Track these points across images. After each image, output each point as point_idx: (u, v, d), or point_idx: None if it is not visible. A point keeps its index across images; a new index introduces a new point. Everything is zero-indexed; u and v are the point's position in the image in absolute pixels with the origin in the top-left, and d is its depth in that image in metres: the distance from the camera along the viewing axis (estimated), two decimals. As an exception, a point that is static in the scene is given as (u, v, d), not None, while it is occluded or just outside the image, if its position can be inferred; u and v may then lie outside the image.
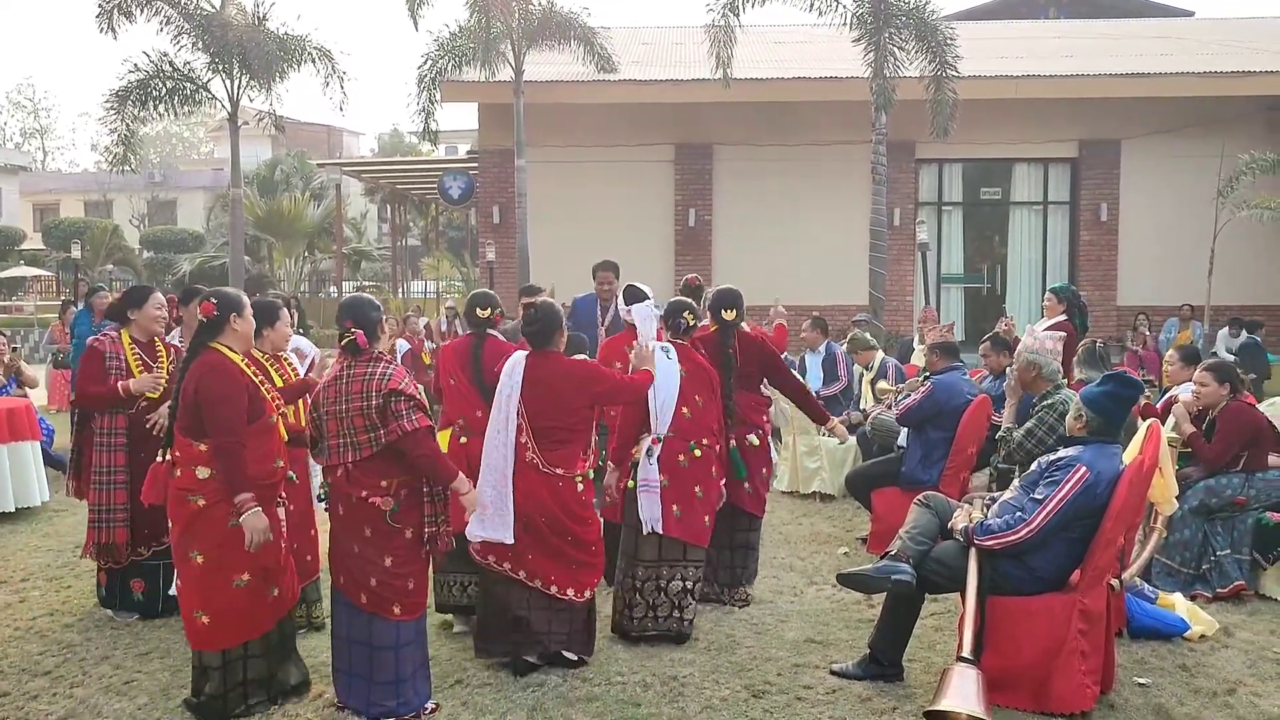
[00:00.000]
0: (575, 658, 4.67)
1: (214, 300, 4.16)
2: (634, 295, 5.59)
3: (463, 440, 5.07)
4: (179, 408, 4.12)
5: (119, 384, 5.30)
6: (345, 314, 4.16)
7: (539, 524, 4.52)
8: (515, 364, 4.62)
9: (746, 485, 5.67)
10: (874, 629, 4.68)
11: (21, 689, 4.49)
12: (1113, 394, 4.45)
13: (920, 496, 4.78)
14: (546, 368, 4.61)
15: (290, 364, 5.22)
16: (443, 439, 4.94)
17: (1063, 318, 7.74)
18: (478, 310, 5.23)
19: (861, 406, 8.91)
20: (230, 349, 4.16)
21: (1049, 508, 4.19)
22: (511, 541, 4.48)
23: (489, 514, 4.48)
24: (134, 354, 5.44)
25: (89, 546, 5.38)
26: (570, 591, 4.60)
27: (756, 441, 5.77)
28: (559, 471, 4.56)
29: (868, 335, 9.40)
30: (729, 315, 5.61)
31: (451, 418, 5.16)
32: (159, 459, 4.21)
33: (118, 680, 4.57)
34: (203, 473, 4.02)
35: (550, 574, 4.57)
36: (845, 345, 9.52)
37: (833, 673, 4.62)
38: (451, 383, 5.23)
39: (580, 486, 4.64)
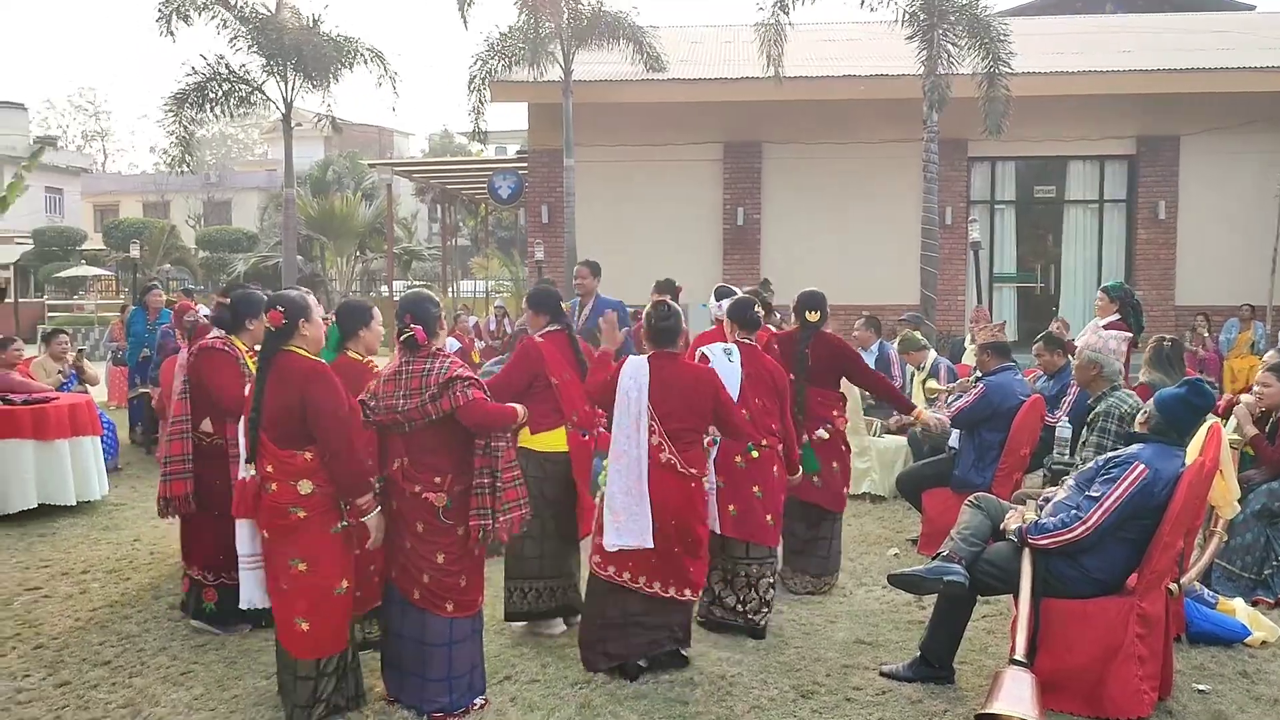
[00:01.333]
0: (687, 656, 4.71)
1: (280, 308, 4.00)
2: (724, 293, 5.98)
3: (585, 436, 5.07)
4: (266, 419, 3.97)
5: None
6: (405, 309, 4.17)
7: (669, 528, 4.51)
8: (638, 366, 4.60)
9: (815, 479, 5.77)
10: (925, 630, 4.64)
11: (82, 678, 4.59)
12: (1185, 400, 4.34)
13: (971, 497, 4.72)
14: (673, 370, 4.64)
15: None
16: (556, 437, 4.95)
17: (1115, 317, 7.57)
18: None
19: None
20: (307, 353, 4.08)
21: (1106, 505, 4.12)
22: (652, 546, 4.45)
23: (623, 521, 4.43)
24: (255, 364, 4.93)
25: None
26: (687, 591, 4.63)
27: (826, 435, 5.87)
28: (693, 471, 4.59)
29: (919, 335, 9.31)
30: (812, 317, 5.85)
31: (567, 414, 5.03)
32: (243, 474, 4.04)
33: (175, 671, 4.65)
34: (305, 487, 3.93)
35: (670, 578, 4.56)
36: (896, 345, 9.43)
37: (882, 674, 4.59)
38: (564, 378, 5.06)
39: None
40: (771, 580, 5.22)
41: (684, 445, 4.57)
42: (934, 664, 4.52)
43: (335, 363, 4.46)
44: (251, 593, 4.20)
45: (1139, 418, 4.48)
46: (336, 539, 4.00)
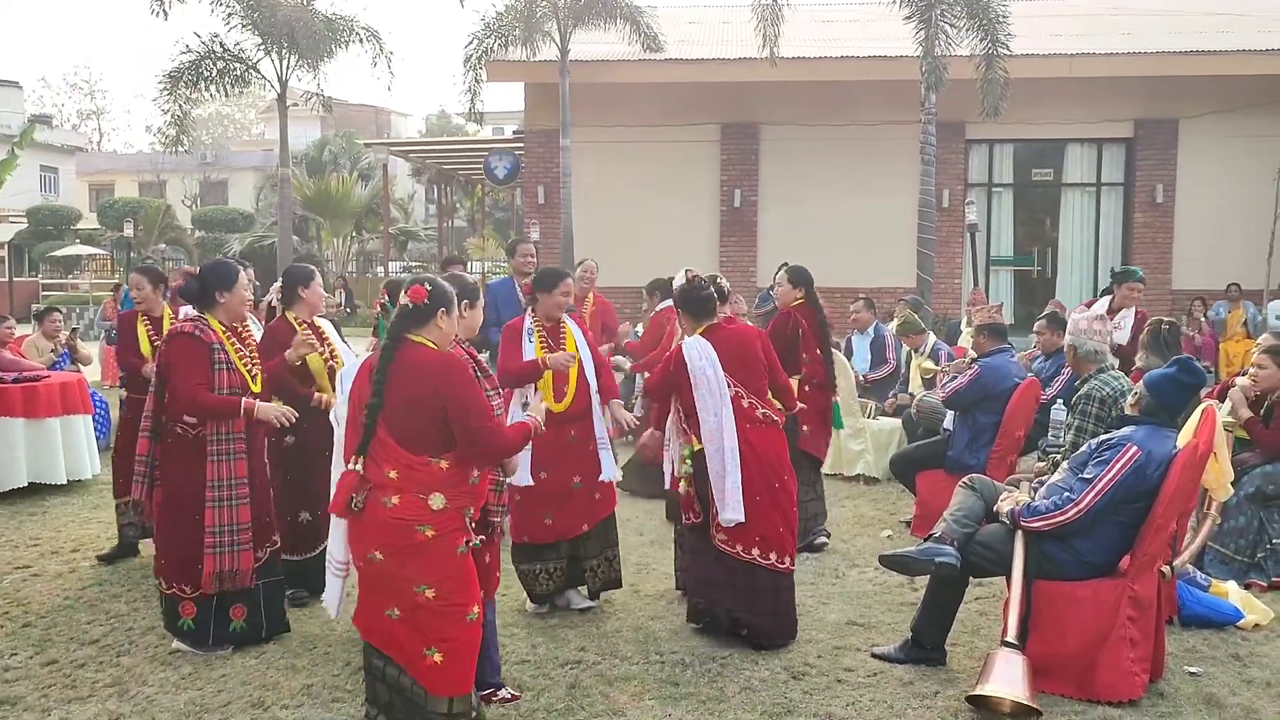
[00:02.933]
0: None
1: (427, 287, 3.52)
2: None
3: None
4: (386, 414, 3.43)
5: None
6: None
7: (773, 486, 4.72)
8: (701, 346, 4.76)
9: (805, 427, 6.12)
10: (917, 612, 4.63)
11: (69, 657, 4.57)
12: (1174, 378, 4.33)
13: (965, 479, 4.70)
14: (726, 335, 4.87)
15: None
16: None
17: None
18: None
19: (910, 390, 8.81)
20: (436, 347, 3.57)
21: (1098, 488, 4.10)
22: (744, 520, 4.60)
23: (728, 499, 4.59)
24: (233, 345, 4.60)
25: (208, 579, 4.45)
26: (787, 559, 4.76)
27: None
28: (778, 419, 4.89)
29: (918, 318, 9.28)
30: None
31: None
32: (351, 466, 3.47)
33: (163, 650, 4.63)
34: (437, 502, 3.41)
35: (773, 544, 4.70)
36: (894, 327, 9.40)
37: (874, 655, 4.58)
38: None
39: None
40: None
41: (763, 398, 4.85)
42: (926, 646, 4.51)
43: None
44: (334, 601, 3.85)
45: (1129, 399, 4.46)
46: (467, 560, 3.53)
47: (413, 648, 3.48)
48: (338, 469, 3.64)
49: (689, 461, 4.79)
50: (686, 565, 5.13)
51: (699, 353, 4.73)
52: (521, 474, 4.79)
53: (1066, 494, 4.19)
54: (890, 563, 4.51)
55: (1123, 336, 7.24)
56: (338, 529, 3.71)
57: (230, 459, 4.50)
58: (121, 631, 4.88)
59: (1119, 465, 4.11)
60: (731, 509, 4.59)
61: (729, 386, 4.71)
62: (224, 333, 4.57)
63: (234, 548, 4.48)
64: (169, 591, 4.56)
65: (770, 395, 4.94)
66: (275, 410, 4.56)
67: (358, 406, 3.53)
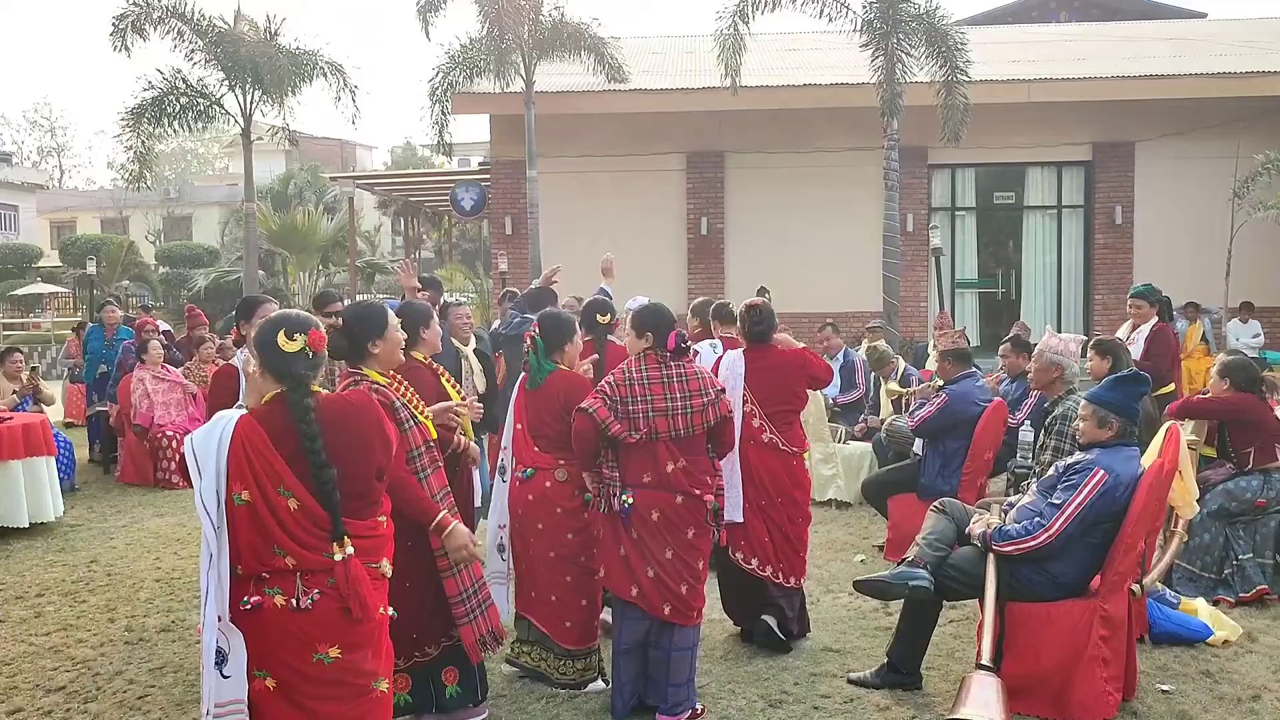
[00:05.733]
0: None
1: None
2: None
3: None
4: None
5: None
6: (653, 320, 4.33)
7: (774, 505, 5.08)
8: (735, 360, 5.21)
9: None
10: (892, 637, 4.64)
11: (35, 705, 4.48)
12: (1118, 382, 4.41)
13: (937, 502, 4.73)
14: (769, 358, 5.21)
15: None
16: None
17: (1156, 320, 7.44)
18: (598, 316, 5.35)
19: (880, 413, 8.86)
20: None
21: (1068, 513, 4.14)
22: (741, 520, 4.98)
23: (728, 498, 4.84)
24: (403, 397, 4.04)
25: (474, 649, 3.92)
26: (792, 579, 5.13)
27: None
28: (795, 450, 5.16)
29: (888, 349, 9.35)
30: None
31: None
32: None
33: (132, 695, 4.56)
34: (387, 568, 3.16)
35: (781, 563, 5.08)
36: (863, 353, 9.45)
37: (850, 681, 4.58)
38: None
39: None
40: None
41: (783, 425, 5.14)
42: (901, 670, 4.52)
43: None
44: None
45: (1095, 429, 4.35)
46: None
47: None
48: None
49: None
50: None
51: (729, 364, 5.22)
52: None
53: (1037, 519, 4.22)
54: (865, 588, 4.53)
55: (1136, 351, 7.19)
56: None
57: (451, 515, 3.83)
58: (89, 677, 4.80)
59: (1087, 489, 4.15)
60: (730, 510, 4.91)
61: (745, 403, 5.07)
62: (388, 385, 3.83)
63: (482, 606, 3.93)
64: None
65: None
66: (465, 543, 3.69)
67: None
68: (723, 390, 4.40)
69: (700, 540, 4.25)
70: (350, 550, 2.86)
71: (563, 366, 4.56)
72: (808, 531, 5.27)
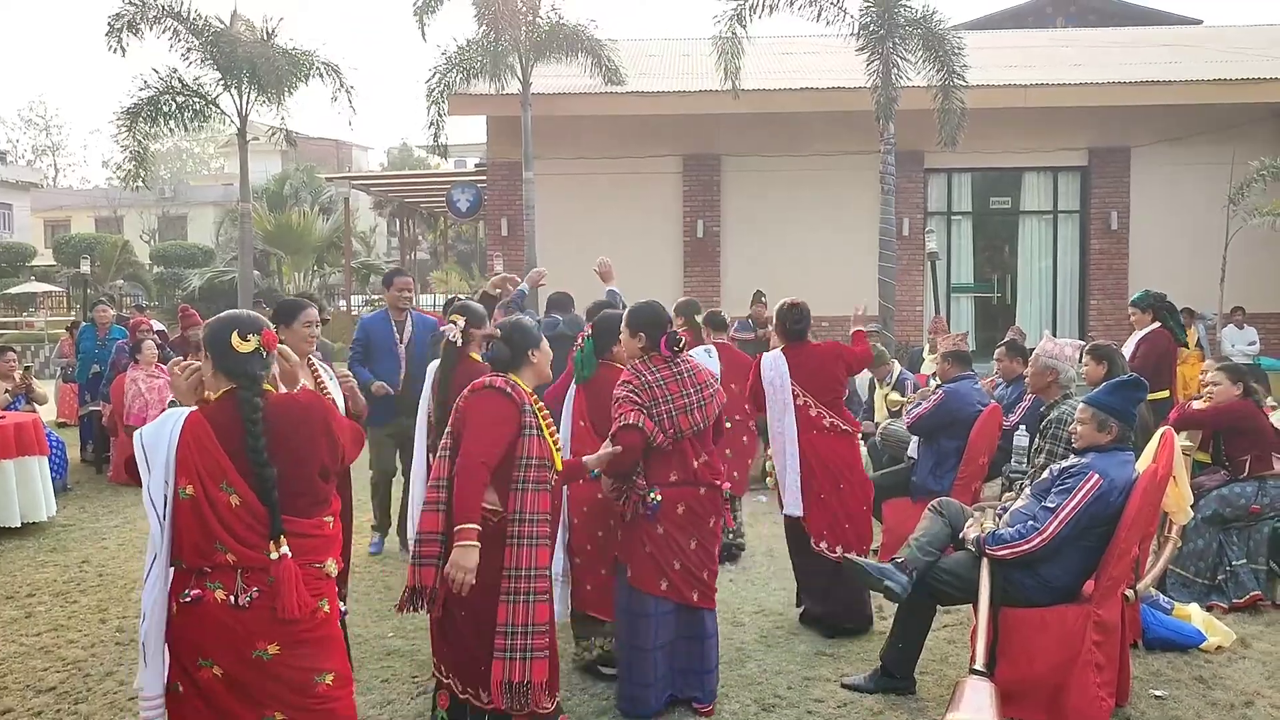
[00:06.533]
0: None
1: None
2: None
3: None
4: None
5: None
6: (646, 320, 4.36)
7: (843, 486, 5.39)
8: (775, 359, 5.51)
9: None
10: (886, 641, 4.63)
11: (25, 705, 4.46)
12: (1116, 387, 4.39)
13: (934, 502, 4.73)
14: (807, 352, 5.56)
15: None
16: None
17: (1155, 325, 7.45)
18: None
19: (875, 418, 8.86)
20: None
21: (1061, 516, 4.14)
22: (802, 514, 5.31)
23: (789, 495, 5.31)
24: (540, 412, 3.85)
25: (497, 689, 3.47)
26: (853, 553, 5.20)
27: None
28: (849, 429, 5.51)
29: (884, 349, 9.35)
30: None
31: None
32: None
33: (122, 697, 4.53)
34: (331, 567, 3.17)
35: (837, 537, 5.35)
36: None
37: (844, 686, 4.57)
38: None
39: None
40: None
41: (837, 410, 5.50)
42: (895, 674, 4.51)
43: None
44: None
45: (1095, 432, 4.32)
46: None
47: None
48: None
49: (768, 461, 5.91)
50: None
51: (770, 365, 5.50)
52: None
53: (1031, 523, 4.21)
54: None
55: (1130, 355, 7.21)
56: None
57: (533, 544, 3.54)
58: (79, 678, 4.77)
59: (1082, 494, 4.14)
60: (790, 505, 5.30)
61: (797, 396, 5.39)
62: (531, 397, 3.74)
63: (526, 654, 3.48)
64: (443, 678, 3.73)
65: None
66: (468, 568, 3.45)
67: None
68: (717, 380, 4.53)
69: (718, 527, 4.39)
70: (285, 550, 2.85)
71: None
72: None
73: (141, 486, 2.88)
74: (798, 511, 5.31)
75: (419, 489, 4.75)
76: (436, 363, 4.92)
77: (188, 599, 2.84)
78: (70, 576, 6.55)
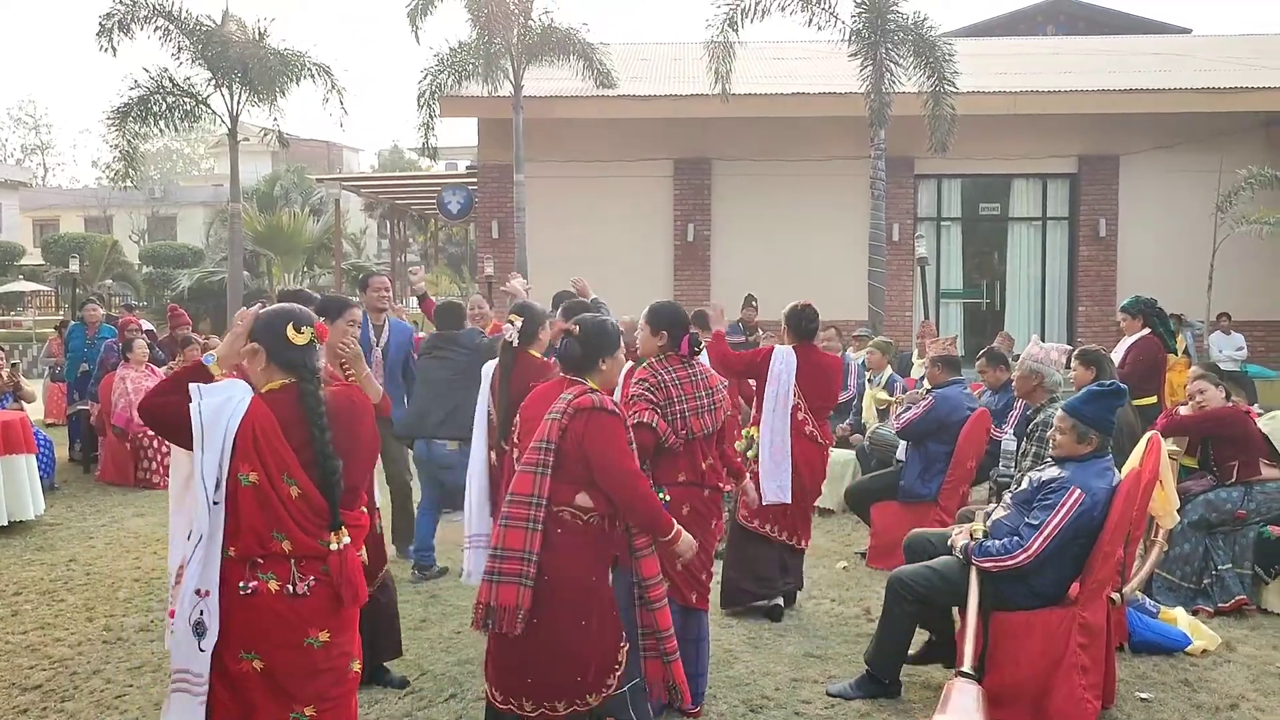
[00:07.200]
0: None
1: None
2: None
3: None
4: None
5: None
6: (669, 319, 4.33)
7: (804, 489, 5.59)
8: (787, 355, 5.61)
9: None
10: (871, 644, 4.63)
11: (11, 703, 4.44)
12: (1092, 396, 4.35)
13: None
14: (815, 356, 5.71)
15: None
16: None
17: (1145, 332, 7.48)
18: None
19: (863, 420, 8.87)
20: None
21: (1046, 533, 4.11)
22: (790, 501, 5.47)
23: (773, 482, 5.44)
24: None
25: (661, 685, 3.80)
26: (804, 543, 5.77)
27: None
28: (825, 442, 5.74)
29: (890, 341, 9.46)
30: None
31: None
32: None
33: (109, 694, 4.52)
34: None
35: (799, 530, 5.68)
36: (872, 345, 9.39)
37: (829, 694, 4.56)
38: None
39: None
40: None
41: (822, 420, 5.70)
42: (882, 679, 4.51)
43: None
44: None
45: (1074, 443, 4.29)
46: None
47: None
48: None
49: (747, 440, 5.83)
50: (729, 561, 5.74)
51: (782, 358, 5.59)
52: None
53: (1015, 539, 4.18)
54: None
55: (1119, 360, 7.24)
56: None
57: (646, 554, 3.70)
58: (65, 676, 4.76)
59: (1065, 510, 4.12)
60: (774, 493, 5.43)
61: (792, 396, 5.51)
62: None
63: (666, 656, 3.75)
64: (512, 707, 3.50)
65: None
66: (692, 544, 3.77)
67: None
68: (726, 384, 4.56)
69: (718, 529, 4.47)
70: (347, 540, 2.94)
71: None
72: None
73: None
74: (785, 499, 5.46)
75: (478, 487, 4.69)
76: (492, 363, 4.87)
77: (247, 591, 2.86)
78: (57, 575, 6.53)
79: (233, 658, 2.86)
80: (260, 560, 2.88)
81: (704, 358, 5.95)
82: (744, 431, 6.06)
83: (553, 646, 3.42)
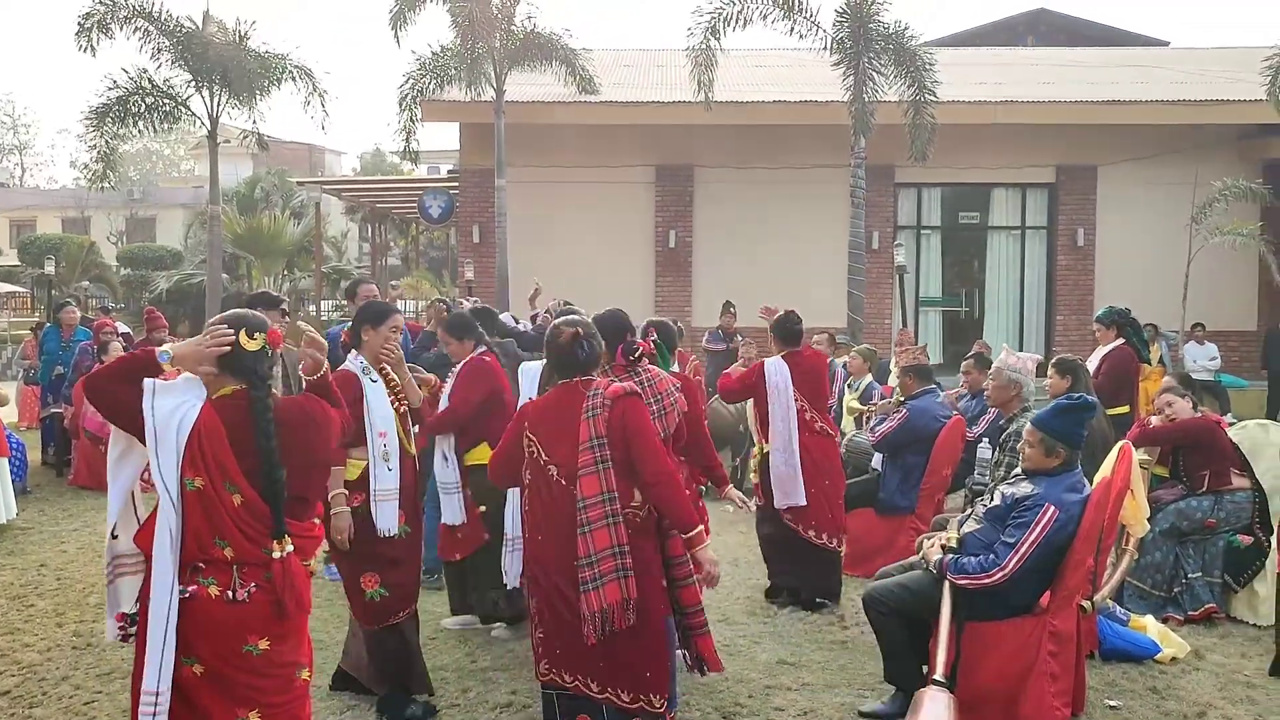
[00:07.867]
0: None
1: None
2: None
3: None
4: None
5: None
6: (605, 328, 4.29)
7: (824, 484, 5.91)
8: (778, 365, 5.95)
9: None
10: (885, 663, 4.54)
11: (-22, 709, 4.41)
12: (1061, 410, 4.36)
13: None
14: (802, 359, 6.06)
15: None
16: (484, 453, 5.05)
17: (1119, 342, 7.48)
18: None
19: (841, 426, 8.89)
20: None
21: (1022, 552, 4.11)
22: (805, 504, 5.84)
23: (787, 487, 5.83)
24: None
25: (715, 656, 4.05)
26: (835, 541, 6.01)
27: None
28: (831, 432, 6.11)
29: (872, 349, 9.49)
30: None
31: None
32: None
33: (78, 701, 4.49)
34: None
35: (838, 527, 6.01)
36: (857, 351, 9.43)
37: (861, 714, 4.46)
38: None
39: None
40: None
41: (824, 414, 6.08)
42: (908, 689, 4.40)
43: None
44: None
45: (1043, 456, 4.29)
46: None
47: None
48: None
49: (759, 457, 6.11)
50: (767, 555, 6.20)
51: (776, 370, 5.92)
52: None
53: (991, 557, 4.17)
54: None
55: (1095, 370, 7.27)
56: None
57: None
58: (34, 682, 4.72)
59: (1039, 528, 4.12)
60: (793, 496, 5.79)
61: (795, 401, 5.86)
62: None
63: (702, 627, 4.00)
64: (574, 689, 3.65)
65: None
66: (715, 558, 3.90)
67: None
68: (680, 387, 4.62)
69: (677, 538, 4.35)
70: (290, 548, 2.92)
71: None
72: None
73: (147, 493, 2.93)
74: (801, 501, 5.83)
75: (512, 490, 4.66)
76: (538, 365, 4.74)
77: (186, 595, 2.85)
78: (28, 580, 6.47)
79: (175, 663, 2.85)
80: (202, 565, 2.87)
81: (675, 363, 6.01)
82: (755, 451, 6.40)
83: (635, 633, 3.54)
